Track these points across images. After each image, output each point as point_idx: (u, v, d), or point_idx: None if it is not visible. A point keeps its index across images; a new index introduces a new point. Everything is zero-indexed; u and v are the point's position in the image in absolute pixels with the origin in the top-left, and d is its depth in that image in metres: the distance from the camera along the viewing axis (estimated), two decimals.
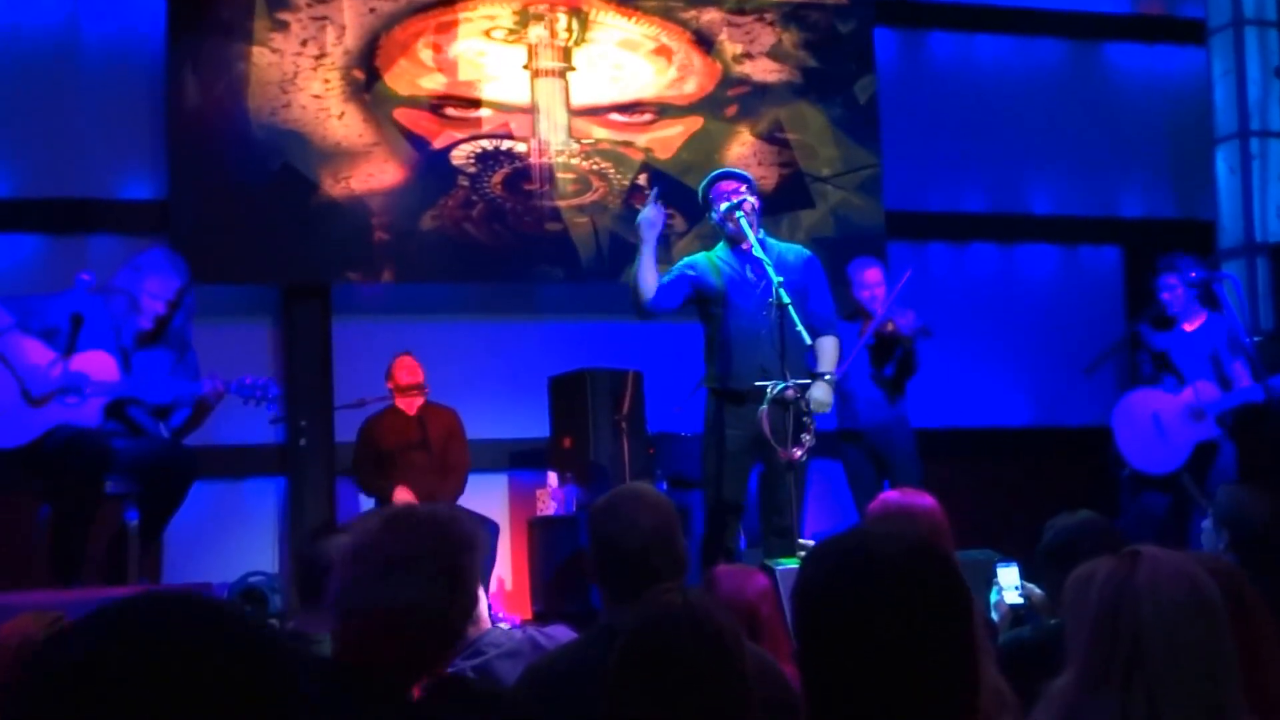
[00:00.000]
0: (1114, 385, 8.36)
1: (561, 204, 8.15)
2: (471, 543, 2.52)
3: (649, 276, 5.91)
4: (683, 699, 2.15)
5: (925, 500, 3.76)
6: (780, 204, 8.34)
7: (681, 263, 6.09)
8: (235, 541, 7.53)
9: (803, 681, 1.76)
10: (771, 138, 8.54)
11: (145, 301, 5.59)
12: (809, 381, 5.74)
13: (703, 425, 5.99)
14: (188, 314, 5.76)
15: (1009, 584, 4.17)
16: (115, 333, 5.57)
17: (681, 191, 7.63)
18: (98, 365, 5.47)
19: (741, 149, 8.47)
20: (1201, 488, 7.05)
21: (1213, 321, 7.33)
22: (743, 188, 5.99)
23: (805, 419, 5.62)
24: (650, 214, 5.90)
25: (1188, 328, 7.31)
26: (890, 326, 7.06)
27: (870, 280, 7.26)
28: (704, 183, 6.13)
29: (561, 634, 3.45)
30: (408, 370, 7.44)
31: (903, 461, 7.17)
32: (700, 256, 6.09)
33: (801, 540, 5.46)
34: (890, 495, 3.93)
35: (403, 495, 7.14)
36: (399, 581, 2.41)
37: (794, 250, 6.04)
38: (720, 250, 6.05)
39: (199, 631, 1.33)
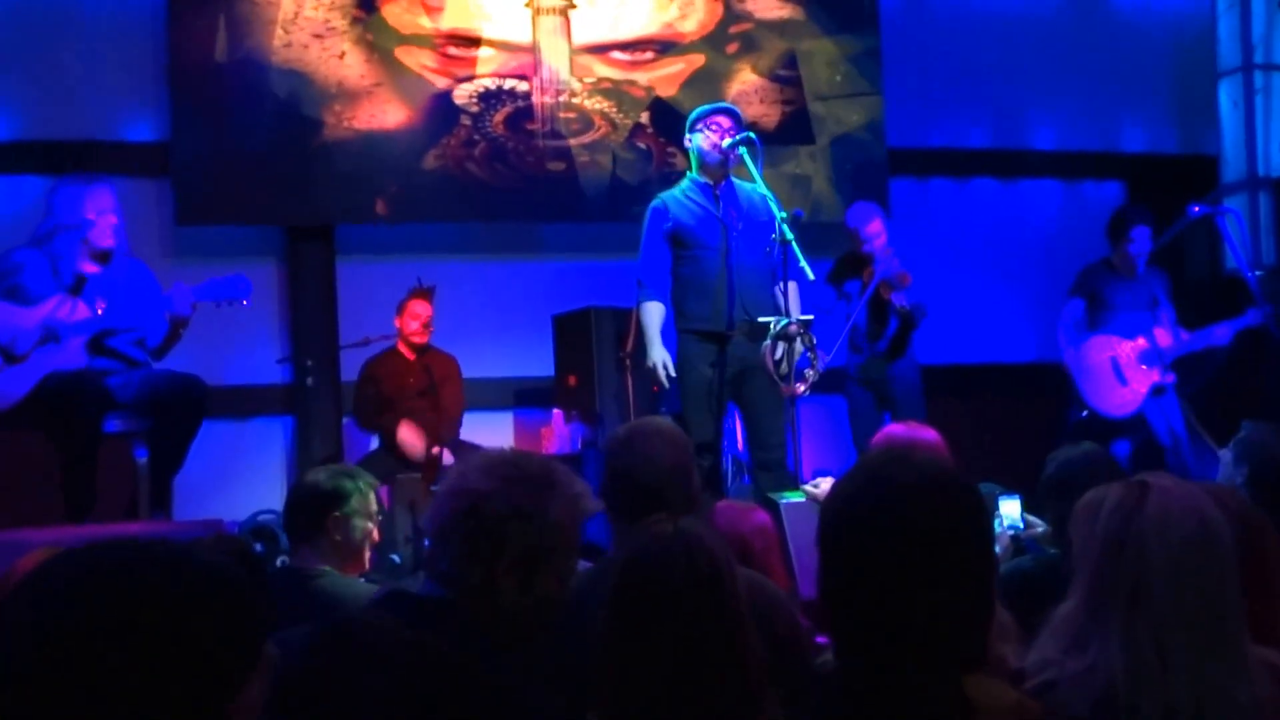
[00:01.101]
0: None
1: (564, 143, 8.15)
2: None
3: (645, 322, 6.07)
4: (676, 624, 2.17)
5: (928, 434, 3.79)
6: (782, 138, 8.34)
7: (651, 213, 6.05)
8: (244, 481, 7.58)
9: (825, 607, 1.78)
10: (774, 75, 8.51)
11: (97, 220, 5.49)
12: (812, 317, 5.77)
13: (676, 367, 6.02)
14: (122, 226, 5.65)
15: (1011, 516, 4.20)
16: (68, 272, 5.49)
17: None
18: (65, 309, 5.43)
19: (743, 86, 8.44)
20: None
21: (1151, 270, 7.46)
22: (737, 129, 5.97)
23: (811, 355, 5.66)
24: (657, 366, 5.96)
25: (1136, 273, 7.40)
26: (885, 290, 7.05)
27: (872, 232, 7.25)
28: (696, 112, 6.10)
29: None
30: (417, 319, 7.46)
31: (906, 399, 7.21)
32: (668, 198, 6.05)
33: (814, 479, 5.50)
34: (894, 428, 3.96)
35: (407, 433, 7.20)
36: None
37: (759, 192, 5.98)
38: (687, 188, 6.04)
39: (154, 576, 1.38)
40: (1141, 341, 7.31)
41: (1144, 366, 7.31)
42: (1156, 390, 7.31)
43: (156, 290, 5.58)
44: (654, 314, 6.02)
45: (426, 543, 2.53)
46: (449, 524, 2.38)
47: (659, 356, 5.95)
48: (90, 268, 5.56)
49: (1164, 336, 7.32)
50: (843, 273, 7.36)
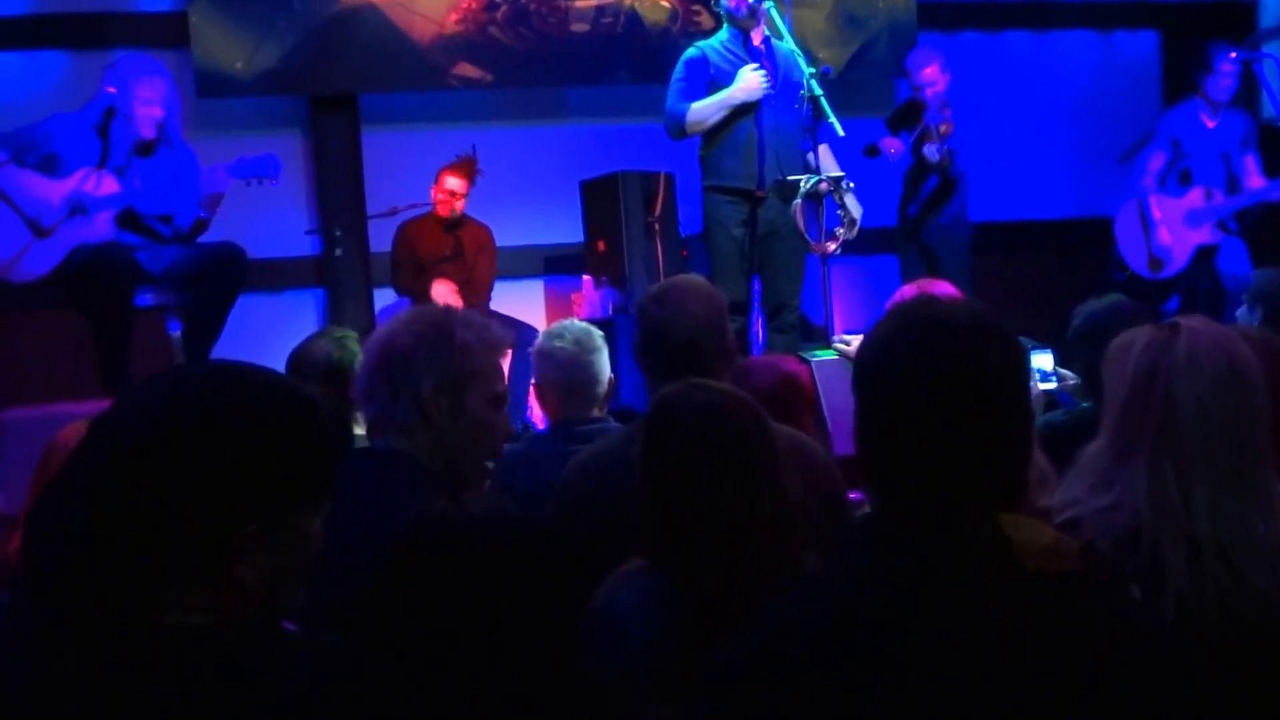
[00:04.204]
0: None
1: (588, 4, 8.01)
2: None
3: (703, 114, 5.81)
4: (699, 478, 2.24)
5: (943, 288, 3.75)
6: None
7: (690, 63, 5.93)
8: (278, 354, 7.53)
9: (862, 454, 1.77)
10: None
11: (139, 110, 5.52)
12: (842, 175, 5.71)
13: (702, 225, 5.96)
14: (173, 114, 5.68)
15: (1043, 368, 4.18)
16: (107, 147, 5.52)
17: None
18: (96, 181, 5.45)
19: None
20: (1209, 283, 7.08)
21: (1228, 118, 7.23)
22: None
23: (843, 213, 5.61)
24: (755, 80, 5.74)
25: (1209, 124, 7.21)
26: (941, 130, 6.95)
27: (927, 78, 7.14)
28: None
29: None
30: (443, 192, 7.41)
31: (949, 257, 7.15)
32: (707, 48, 5.95)
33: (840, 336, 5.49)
34: (907, 289, 3.93)
35: (440, 289, 7.20)
36: None
37: (788, 48, 5.89)
38: (726, 39, 5.93)
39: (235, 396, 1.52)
40: (1192, 198, 7.17)
41: (1188, 226, 7.17)
42: (1205, 250, 7.19)
43: (195, 179, 5.58)
44: (700, 103, 5.85)
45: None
46: (369, 374, 2.54)
47: (746, 78, 5.73)
48: (145, 145, 5.59)
49: (1213, 195, 7.15)
50: (897, 123, 7.28)
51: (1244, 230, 7.23)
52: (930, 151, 6.98)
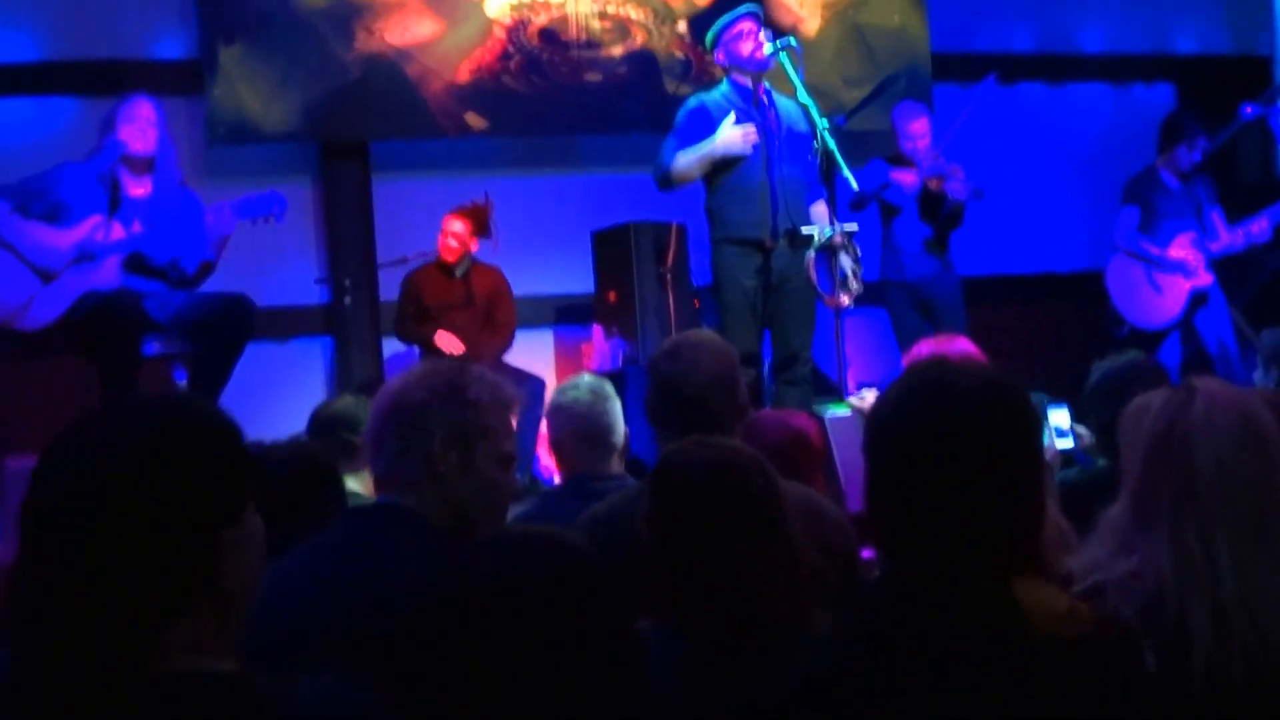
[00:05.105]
0: None
1: (600, 54, 8.01)
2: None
3: (687, 166, 5.78)
4: (706, 536, 2.23)
5: (961, 344, 3.72)
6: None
7: (688, 114, 5.91)
8: (284, 402, 7.54)
9: (873, 515, 1.78)
10: None
11: (130, 138, 5.54)
12: (856, 227, 5.68)
13: (712, 277, 5.92)
14: (167, 148, 5.70)
15: (1060, 425, 4.14)
16: (116, 196, 5.53)
17: None
18: (105, 232, 5.46)
19: None
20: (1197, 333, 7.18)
21: (1196, 177, 7.40)
22: (762, 31, 5.84)
23: (854, 267, 5.58)
24: (735, 135, 5.71)
25: (1174, 185, 7.32)
26: (935, 184, 6.92)
27: (916, 131, 7.12)
28: (718, 25, 5.94)
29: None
30: (444, 235, 7.36)
31: (947, 310, 7.12)
32: (708, 101, 5.92)
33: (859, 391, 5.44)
34: (926, 344, 3.89)
35: (444, 340, 7.14)
36: None
37: (799, 100, 5.85)
38: (726, 92, 5.91)
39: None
40: (1177, 249, 7.20)
41: (1179, 275, 7.21)
42: (1197, 298, 7.19)
43: (200, 222, 5.56)
44: (684, 152, 5.81)
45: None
46: (379, 427, 2.50)
47: (726, 133, 5.70)
48: (136, 190, 5.60)
49: (1204, 242, 7.22)
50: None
51: (1226, 288, 7.38)
52: (955, 191, 6.92)
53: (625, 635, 1.79)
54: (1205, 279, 7.22)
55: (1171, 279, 7.24)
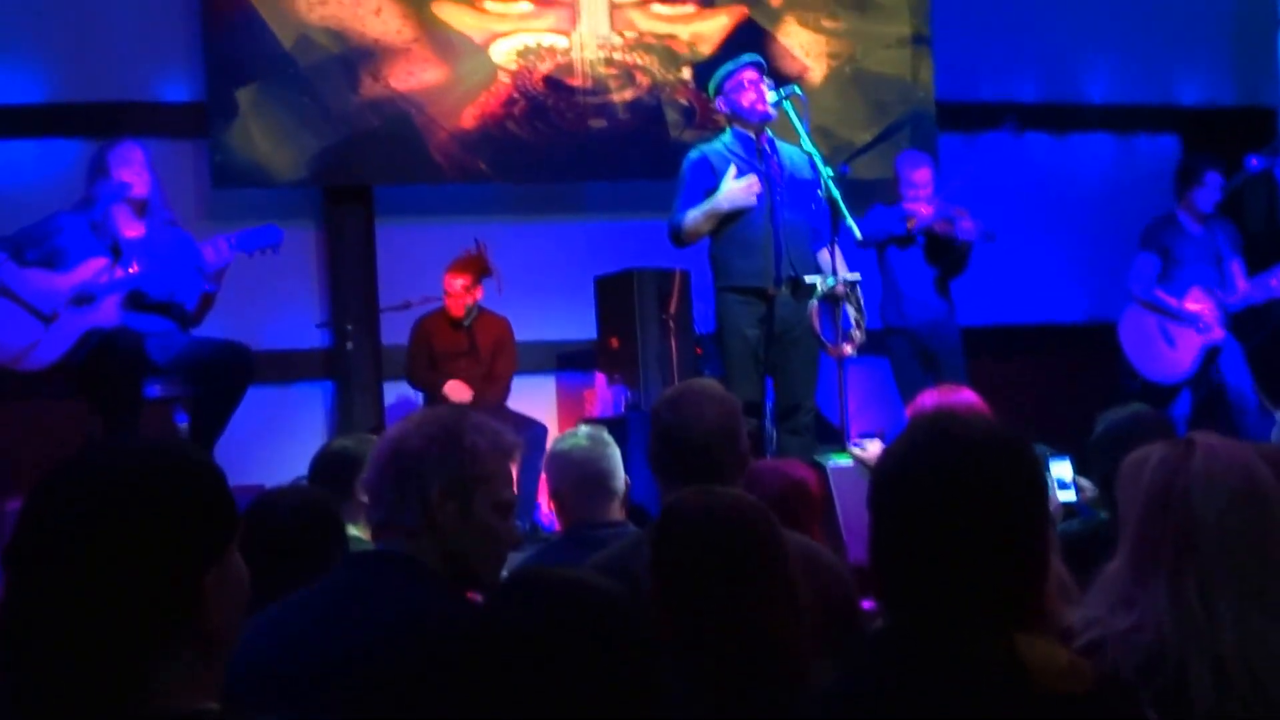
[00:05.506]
0: None
1: (605, 100, 8.03)
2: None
3: (694, 223, 5.80)
4: (708, 585, 2.24)
5: (966, 396, 3.71)
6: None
7: (690, 167, 5.91)
8: (284, 446, 7.52)
9: (876, 568, 1.78)
10: (819, 26, 8.35)
11: (123, 182, 5.57)
12: (859, 276, 5.67)
13: (715, 325, 5.92)
14: (159, 191, 5.76)
15: (1062, 478, 4.11)
16: (105, 236, 5.56)
17: None
18: (109, 276, 5.49)
19: (788, 40, 8.30)
20: (1212, 387, 7.09)
21: (1214, 226, 7.33)
22: (766, 80, 5.85)
23: (857, 315, 5.57)
24: (738, 189, 5.72)
25: (1195, 232, 7.27)
26: (943, 226, 6.92)
27: (919, 180, 7.12)
28: (720, 74, 5.95)
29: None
30: (448, 293, 7.37)
31: (948, 359, 7.10)
32: (710, 152, 5.92)
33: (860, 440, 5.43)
34: (930, 395, 3.88)
35: (454, 389, 7.14)
36: None
37: (802, 149, 5.86)
38: (729, 142, 5.91)
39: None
40: (1193, 302, 7.18)
41: (1193, 330, 7.17)
42: (1211, 352, 7.16)
43: (196, 260, 5.58)
44: (692, 210, 5.82)
45: None
46: (377, 474, 2.49)
47: (729, 187, 5.70)
48: (131, 231, 5.59)
49: (1221, 296, 7.20)
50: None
51: (1240, 335, 7.32)
52: (965, 233, 6.91)
53: (654, 681, 1.79)
54: (1218, 334, 7.18)
55: (1185, 332, 7.20)
